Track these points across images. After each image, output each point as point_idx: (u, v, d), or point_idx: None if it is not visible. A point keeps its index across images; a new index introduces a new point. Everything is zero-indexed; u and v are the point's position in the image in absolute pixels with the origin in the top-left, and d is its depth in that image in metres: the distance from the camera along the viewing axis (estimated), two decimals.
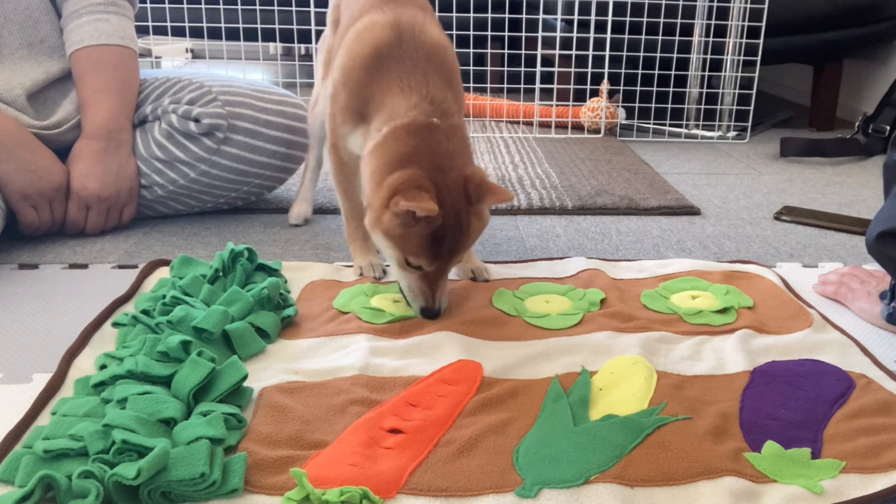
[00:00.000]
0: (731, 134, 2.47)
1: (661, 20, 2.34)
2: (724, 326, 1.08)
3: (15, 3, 1.42)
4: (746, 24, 2.34)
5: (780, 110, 2.89)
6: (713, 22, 2.36)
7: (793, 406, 0.89)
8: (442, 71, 1.10)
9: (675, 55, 2.38)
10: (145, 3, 2.47)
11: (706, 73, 2.42)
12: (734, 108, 2.46)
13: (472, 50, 2.72)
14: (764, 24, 2.32)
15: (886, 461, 0.78)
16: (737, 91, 2.43)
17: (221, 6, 2.48)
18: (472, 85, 2.75)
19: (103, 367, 0.93)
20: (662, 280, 1.24)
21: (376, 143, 1.06)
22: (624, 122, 2.49)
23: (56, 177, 1.38)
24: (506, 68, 2.68)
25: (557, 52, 2.44)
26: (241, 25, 2.47)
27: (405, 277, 1.08)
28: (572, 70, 2.53)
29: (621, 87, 2.43)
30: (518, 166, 2.02)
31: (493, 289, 1.19)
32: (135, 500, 0.70)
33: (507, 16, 2.60)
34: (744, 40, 2.36)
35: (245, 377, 0.87)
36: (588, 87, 2.42)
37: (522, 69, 2.48)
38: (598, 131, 2.47)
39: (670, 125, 2.48)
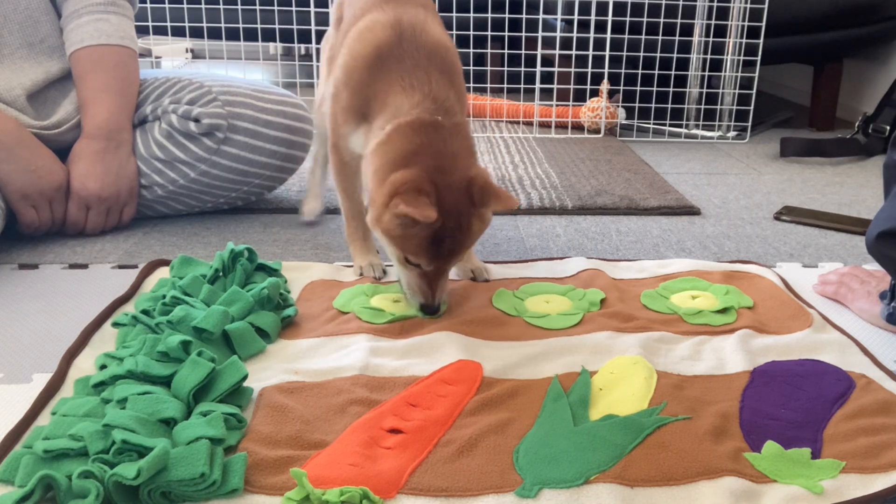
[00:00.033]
0: (731, 134, 2.47)
1: (661, 20, 2.34)
2: (724, 326, 1.08)
3: (15, 3, 1.42)
4: (746, 24, 2.34)
5: (780, 110, 2.89)
6: (713, 22, 2.36)
7: (793, 406, 0.89)
8: (444, 70, 1.10)
9: (675, 55, 2.38)
10: (145, 3, 2.47)
11: (706, 73, 2.42)
12: (734, 108, 2.46)
13: (472, 50, 2.72)
14: (764, 24, 2.32)
15: (886, 461, 0.78)
16: (737, 91, 2.43)
17: (221, 6, 2.48)
18: (472, 85, 2.75)
19: (103, 367, 0.93)
20: (662, 280, 1.24)
21: (380, 140, 1.06)
22: (624, 122, 2.49)
23: (56, 177, 1.38)
24: (506, 68, 2.68)
25: (557, 52, 2.44)
26: (241, 25, 2.47)
27: (405, 274, 1.08)
28: (572, 70, 2.53)
29: (621, 87, 2.43)
30: (518, 166, 2.02)
31: (493, 289, 1.19)
32: (135, 500, 0.70)
33: (507, 16, 2.60)
34: (744, 40, 2.36)
35: (245, 377, 0.87)
36: (588, 87, 2.42)
37: (522, 69, 2.48)
38: (598, 131, 2.47)
39: (670, 125, 2.48)
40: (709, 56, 2.40)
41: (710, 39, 2.38)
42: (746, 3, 2.32)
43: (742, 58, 2.38)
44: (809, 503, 0.73)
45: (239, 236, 1.46)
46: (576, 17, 2.36)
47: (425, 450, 0.79)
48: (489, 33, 2.55)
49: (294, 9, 2.45)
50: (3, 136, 1.33)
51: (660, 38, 2.36)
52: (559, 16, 2.52)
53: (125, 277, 1.23)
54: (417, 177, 0.99)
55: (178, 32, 2.59)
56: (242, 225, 1.53)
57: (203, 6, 2.50)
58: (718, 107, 2.45)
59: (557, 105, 2.53)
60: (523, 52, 2.49)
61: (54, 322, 1.08)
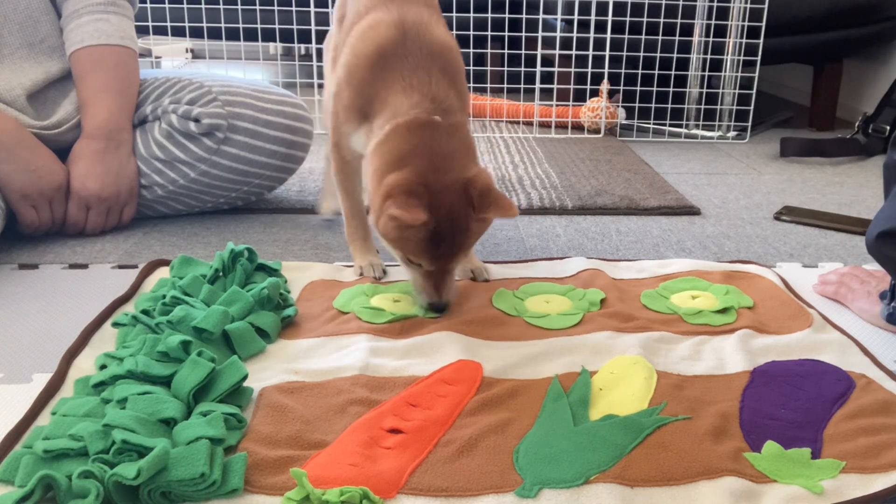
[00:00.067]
0: (731, 134, 2.47)
1: (661, 20, 2.34)
2: (724, 326, 1.08)
3: (15, 3, 1.42)
4: (746, 24, 2.34)
5: (780, 110, 2.89)
6: (713, 22, 2.36)
7: (793, 406, 0.89)
8: (445, 70, 1.10)
9: (675, 55, 2.38)
10: (145, 3, 2.47)
11: (706, 73, 2.42)
12: (734, 108, 2.45)
13: (472, 50, 2.72)
14: (764, 24, 2.32)
15: (886, 461, 0.78)
16: (737, 91, 2.43)
17: (221, 6, 2.48)
18: (472, 85, 2.75)
19: (103, 367, 0.93)
20: (662, 280, 1.24)
21: (378, 141, 1.06)
22: (624, 122, 2.49)
23: (56, 177, 1.38)
24: (506, 68, 2.68)
25: (557, 52, 2.44)
26: (241, 25, 2.47)
27: (411, 274, 1.09)
28: (572, 70, 2.53)
29: (621, 87, 2.43)
30: (518, 166, 2.02)
31: (493, 289, 1.19)
32: (135, 500, 0.70)
33: (507, 16, 2.60)
34: (744, 40, 2.36)
35: (245, 377, 0.87)
36: (588, 87, 2.42)
37: (522, 69, 2.48)
38: (598, 131, 2.47)
39: (670, 125, 2.48)
40: (709, 56, 2.40)
41: (710, 39, 2.38)
42: (746, 3, 2.32)
43: (742, 58, 2.38)
44: (809, 503, 0.73)
45: (239, 236, 1.46)
46: (576, 17, 2.36)
47: (425, 450, 0.79)
48: (489, 33, 2.55)
49: (294, 9, 2.45)
50: (3, 136, 1.33)
51: (660, 38, 2.35)
52: (559, 16, 2.52)
53: (125, 277, 1.23)
54: (408, 179, 1.00)
55: (178, 32, 2.59)
56: (242, 225, 1.53)
57: (203, 6, 2.50)
58: (718, 107, 2.45)
59: (557, 105, 2.53)
60: (523, 52, 2.49)
61: (54, 322, 1.08)
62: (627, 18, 2.33)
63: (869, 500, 0.74)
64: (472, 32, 2.51)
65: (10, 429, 0.80)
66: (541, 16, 2.61)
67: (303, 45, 3.25)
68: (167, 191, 1.49)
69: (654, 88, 2.40)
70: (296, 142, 1.53)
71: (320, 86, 2.39)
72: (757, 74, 2.39)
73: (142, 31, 2.42)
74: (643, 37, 2.37)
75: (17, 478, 0.72)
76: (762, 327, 1.08)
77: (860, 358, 1.00)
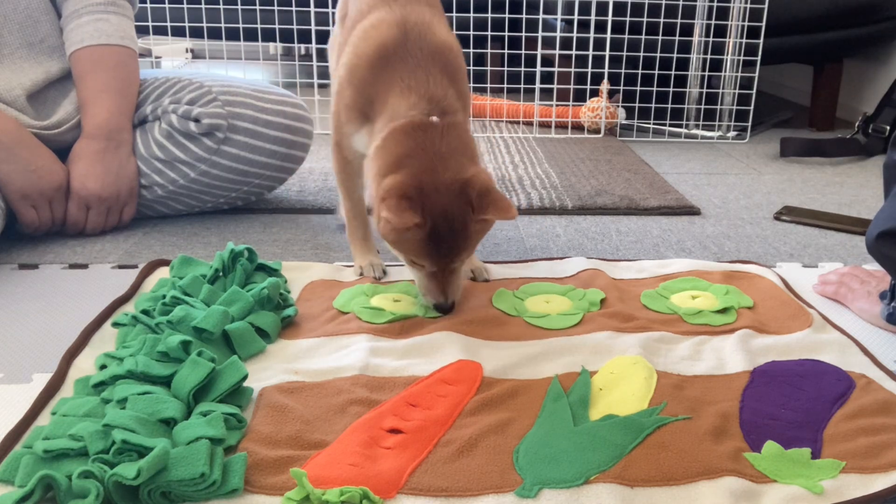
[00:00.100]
0: (731, 134, 2.47)
1: (661, 20, 2.34)
2: (724, 326, 1.08)
3: (15, 3, 1.42)
4: (746, 24, 2.34)
5: (780, 110, 2.89)
6: (713, 22, 2.36)
7: (793, 406, 0.89)
8: (446, 69, 1.10)
9: (675, 55, 2.38)
10: (145, 3, 2.47)
11: (706, 73, 2.42)
12: (734, 108, 2.46)
13: (472, 50, 2.72)
14: (764, 24, 2.32)
15: (886, 461, 0.78)
16: (737, 91, 2.43)
17: (221, 6, 2.48)
18: (472, 85, 2.75)
19: (103, 367, 0.93)
20: (662, 280, 1.24)
21: (377, 145, 1.06)
22: (624, 122, 2.49)
23: (56, 177, 1.38)
24: (506, 68, 2.68)
25: (557, 52, 2.44)
26: (241, 25, 2.47)
27: (416, 275, 1.10)
28: (572, 70, 2.53)
29: (621, 87, 2.43)
30: (518, 166, 2.02)
31: (493, 289, 1.19)
32: (135, 500, 0.70)
33: (507, 16, 2.60)
34: (744, 40, 2.36)
35: (245, 377, 0.87)
36: (588, 87, 2.42)
37: (522, 69, 2.48)
38: (598, 131, 2.47)
39: (670, 125, 2.48)
40: (709, 56, 2.40)
41: (710, 39, 2.38)
42: (746, 3, 2.32)
43: (742, 58, 2.38)
44: (809, 503, 0.73)
45: (239, 236, 1.46)
46: (576, 17, 2.36)
47: (425, 450, 0.79)
48: (489, 33, 2.55)
49: (294, 9, 2.45)
50: (3, 136, 1.33)
51: (660, 38, 2.36)
52: (559, 16, 2.52)
53: (125, 277, 1.23)
54: (402, 182, 1.00)
55: (178, 32, 2.59)
56: (242, 225, 1.53)
57: (203, 6, 2.50)
58: (718, 107, 2.45)
59: (557, 105, 2.53)
60: (523, 52, 2.49)
61: (54, 322, 1.08)
62: (627, 18, 2.33)
63: (869, 500, 0.74)
64: (472, 32, 2.51)
65: (10, 429, 0.80)
66: (541, 16, 2.61)
67: (303, 45, 3.25)
68: (167, 191, 1.49)
69: (654, 88, 2.40)
70: (296, 142, 1.53)
71: (320, 86, 2.39)
72: (757, 74, 2.39)
73: (142, 31, 2.43)
74: (643, 37, 2.37)
75: (17, 478, 0.72)
76: (762, 327, 1.08)
77: (860, 358, 1.00)
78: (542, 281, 1.23)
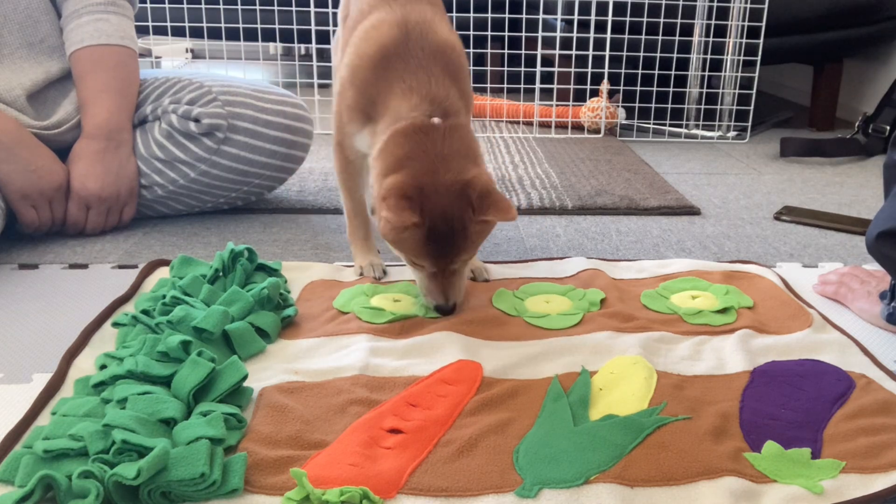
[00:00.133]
0: (731, 134, 2.47)
1: (661, 20, 2.34)
2: (724, 326, 1.08)
3: (15, 3, 1.42)
4: (746, 24, 2.34)
5: (780, 110, 2.89)
6: (713, 22, 2.36)
7: (793, 406, 0.89)
8: (447, 70, 1.10)
9: (675, 55, 2.38)
10: (145, 3, 2.47)
11: (706, 73, 2.42)
12: (734, 108, 2.46)
13: (472, 50, 2.72)
14: (764, 24, 2.32)
15: (886, 461, 0.78)
16: (737, 91, 2.43)
17: (221, 6, 2.48)
18: (472, 85, 2.75)
19: (103, 367, 0.93)
20: (662, 280, 1.24)
21: (379, 147, 1.07)
22: (624, 122, 2.49)
23: (56, 176, 1.38)
24: (506, 68, 2.68)
25: (557, 52, 2.44)
26: (241, 25, 2.47)
27: (417, 276, 1.10)
28: (572, 70, 2.53)
29: (621, 87, 2.43)
30: (518, 166, 2.02)
31: (493, 289, 1.19)
32: (135, 500, 0.70)
33: (507, 16, 2.60)
34: (744, 40, 2.36)
35: (245, 377, 0.87)
36: (588, 87, 2.42)
37: (522, 69, 2.48)
38: (598, 131, 2.47)
39: (670, 125, 2.48)
40: (709, 56, 2.40)
41: (710, 39, 2.38)
42: (746, 3, 2.32)
43: (742, 58, 2.38)
44: (809, 503, 0.73)
45: (239, 236, 1.46)
46: (576, 17, 2.36)
47: (425, 450, 0.79)
48: (489, 33, 2.55)
49: (294, 9, 2.45)
50: (3, 136, 1.33)
51: (660, 38, 2.36)
52: (559, 16, 2.52)
53: (125, 277, 1.23)
54: (402, 182, 1.00)
55: (178, 32, 2.59)
56: (242, 225, 1.53)
57: (203, 6, 2.50)
58: (718, 107, 2.45)
59: (557, 105, 2.53)
60: (523, 52, 2.49)
61: (54, 322, 1.08)
62: (627, 18, 2.33)
63: (869, 500, 0.74)
64: (472, 32, 2.51)
65: (10, 429, 0.80)
66: (541, 16, 2.61)
67: (303, 45, 3.25)
68: (167, 191, 1.49)
69: (654, 88, 2.40)
70: (296, 142, 1.53)
71: (320, 86, 2.39)
72: (757, 74, 2.39)
73: (142, 31, 2.43)
74: (643, 37, 2.37)
75: (17, 478, 0.72)
76: (762, 327, 1.08)
77: (860, 358, 1.00)
78: (542, 281, 1.23)
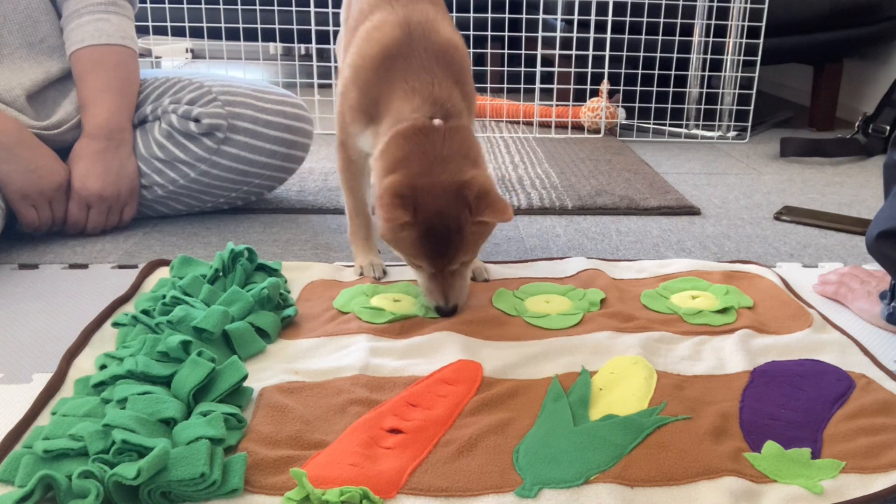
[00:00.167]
0: (731, 134, 2.47)
1: (661, 20, 2.34)
2: (724, 326, 1.08)
3: (15, 3, 1.42)
4: (746, 24, 2.34)
5: (780, 110, 2.89)
6: (713, 22, 2.36)
7: (793, 406, 0.89)
8: (450, 70, 1.10)
9: (675, 55, 2.38)
10: (145, 3, 2.47)
11: (706, 73, 2.42)
12: (734, 108, 2.46)
13: (472, 50, 2.72)
14: (764, 24, 2.32)
15: (886, 461, 0.78)
16: (737, 91, 2.43)
17: (221, 6, 2.48)
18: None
19: (103, 367, 0.93)
20: (662, 280, 1.24)
21: (380, 148, 1.07)
22: (624, 122, 2.49)
23: (56, 176, 1.38)
24: (506, 68, 2.68)
25: (557, 52, 2.44)
26: (241, 25, 2.47)
27: (418, 277, 1.10)
28: (572, 70, 2.53)
29: (621, 87, 2.43)
30: (518, 166, 2.02)
31: (493, 289, 1.19)
32: (135, 500, 0.70)
33: (507, 16, 2.60)
34: (744, 40, 2.36)
35: (245, 377, 0.87)
36: (588, 87, 2.42)
37: (522, 69, 2.48)
38: (598, 131, 2.47)
39: (670, 125, 2.48)
40: (709, 56, 2.40)
41: (710, 39, 2.38)
42: (746, 3, 2.32)
43: (742, 58, 2.38)
44: (809, 503, 0.73)
45: (239, 236, 1.46)
46: (576, 17, 2.36)
47: (425, 450, 0.79)
48: (489, 33, 2.55)
49: (294, 9, 2.45)
50: (3, 136, 1.33)
51: (660, 38, 2.36)
52: (559, 16, 2.52)
53: (125, 277, 1.23)
54: (398, 182, 1.01)
55: (178, 32, 2.59)
56: (242, 225, 1.53)
57: (203, 6, 2.50)
58: (718, 107, 2.45)
59: (557, 105, 2.53)
60: (523, 52, 2.49)
61: (54, 322, 1.08)
62: (627, 18, 2.33)
63: (869, 500, 0.74)
64: (472, 32, 2.51)
65: (10, 429, 0.80)
66: (541, 16, 2.61)
67: (303, 45, 3.25)
68: (167, 191, 1.49)
69: (654, 88, 2.40)
70: (296, 142, 1.53)
71: (320, 86, 2.39)
72: (757, 74, 2.39)
73: (142, 31, 2.43)
74: (643, 37, 2.37)
75: (17, 478, 0.72)
76: (762, 327, 1.08)
77: (860, 358, 1.00)
78: (542, 281, 1.23)
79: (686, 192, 1.84)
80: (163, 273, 1.23)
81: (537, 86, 2.45)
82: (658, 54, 2.38)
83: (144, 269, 1.23)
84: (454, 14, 2.39)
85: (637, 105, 2.45)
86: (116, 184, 1.43)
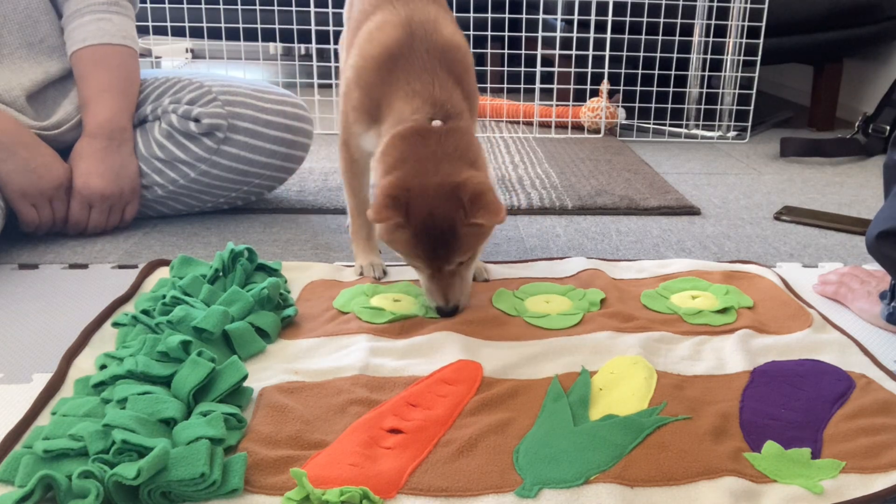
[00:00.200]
0: (731, 134, 2.47)
1: (661, 20, 2.34)
2: (724, 326, 1.08)
3: (14, 3, 1.42)
4: (746, 24, 2.34)
5: (780, 110, 2.89)
6: (713, 22, 2.36)
7: (793, 406, 0.89)
8: (452, 70, 1.10)
9: (675, 55, 2.38)
10: (145, 3, 2.47)
11: (706, 73, 2.42)
12: (734, 108, 2.46)
13: (472, 50, 2.72)
14: (764, 24, 2.32)
15: (886, 461, 0.78)
16: (737, 91, 2.43)
17: (221, 6, 2.48)
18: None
19: (103, 367, 0.93)
20: (662, 280, 1.24)
21: (380, 150, 1.08)
22: (624, 122, 2.49)
23: (56, 174, 1.38)
24: (506, 68, 2.68)
25: (557, 52, 2.44)
26: (241, 25, 2.47)
27: (420, 277, 1.10)
28: (572, 70, 2.53)
29: (621, 87, 2.43)
30: (518, 166, 2.02)
31: (493, 289, 1.19)
32: (135, 500, 0.70)
33: (507, 16, 2.60)
34: (744, 40, 2.36)
35: (245, 377, 0.87)
36: (588, 87, 2.42)
37: (522, 69, 2.48)
38: (598, 131, 2.47)
39: (670, 125, 2.48)
40: (709, 56, 2.40)
41: (710, 39, 2.38)
42: (746, 3, 2.32)
43: (742, 58, 2.38)
44: (809, 503, 0.73)
45: (239, 236, 1.46)
46: (576, 17, 2.36)
47: (425, 450, 0.79)
48: (489, 33, 2.55)
49: (294, 9, 2.45)
50: (2, 136, 1.32)
51: (660, 38, 2.36)
52: (559, 16, 2.52)
53: (125, 277, 1.23)
54: (391, 183, 1.02)
55: (178, 32, 2.59)
56: (242, 225, 1.53)
57: (203, 6, 2.50)
58: (718, 107, 2.45)
59: (557, 105, 2.53)
60: (523, 52, 2.49)
61: (54, 322, 1.08)
62: (627, 18, 2.33)
63: (869, 500, 0.74)
64: (472, 32, 2.51)
65: (10, 429, 0.80)
66: (541, 16, 2.61)
67: (303, 45, 3.25)
68: (167, 191, 1.49)
69: (654, 88, 2.40)
70: (296, 142, 1.53)
71: (320, 86, 2.39)
72: (757, 74, 2.39)
73: (142, 31, 2.42)
74: (643, 37, 2.37)
75: (17, 478, 0.72)
76: (762, 327, 1.08)
77: (860, 358, 1.00)
78: (542, 281, 1.23)
79: (686, 192, 1.84)
80: (163, 273, 1.23)
81: (537, 86, 2.45)
82: (658, 54, 2.38)
83: (144, 269, 1.23)
84: (454, 14, 2.39)
85: (637, 105, 2.45)
86: (119, 183, 1.43)
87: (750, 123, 2.46)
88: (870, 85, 2.68)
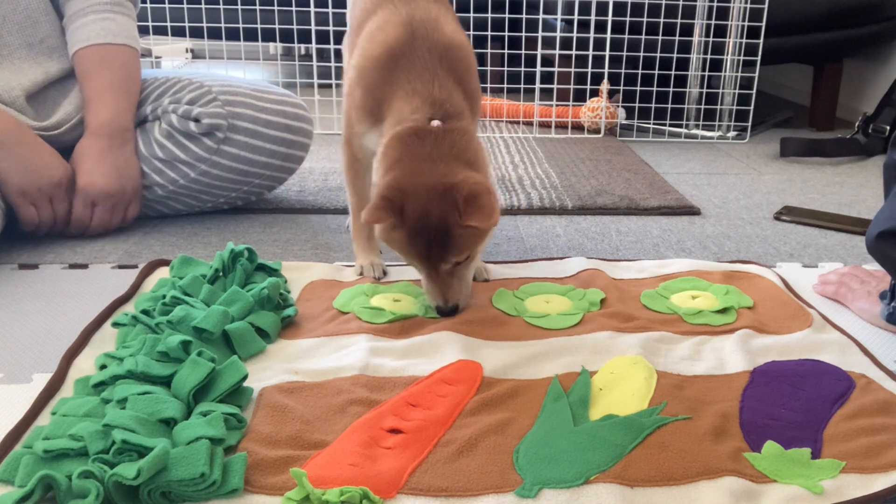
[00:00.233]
0: (731, 134, 2.47)
1: (661, 20, 2.34)
2: (724, 326, 1.08)
3: (14, 4, 1.42)
4: (746, 24, 2.34)
5: (780, 110, 2.89)
6: (713, 22, 2.36)
7: (793, 406, 0.89)
8: (453, 69, 1.10)
9: (675, 55, 2.38)
10: (145, 3, 2.47)
11: (706, 73, 2.42)
12: (734, 108, 2.46)
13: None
14: (764, 24, 2.32)
15: (886, 461, 0.78)
16: (737, 91, 2.43)
17: (221, 6, 2.48)
18: None
19: (103, 367, 0.93)
20: (662, 280, 1.24)
21: (380, 151, 1.08)
22: (624, 122, 2.49)
23: (56, 173, 1.38)
24: (506, 68, 2.68)
25: (557, 52, 2.44)
26: (241, 25, 2.47)
27: (420, 275, 1.10)
28: (572, 70, 2.53)
29: (621, 87, 2.43)
30: (518, 166, 2.02)
31: (493, 289, 1.19)
32: (135, 500, 0.70)
33: (507, 16, 2.60)
34: (744, 40, 2.36)
35: (245, 377, 0.87)
36: (588, 87, 2.42)
37: (522, 69, 2.48)
38: (598, 131, 2.47)
39: (670, 125, 2.48)
40: (709, 56, 2.40)
41: (710, 39, 2.38)
42: (746, 3, 2.32)
43: (742, 58, 2.38)
44: (809, 503, 0.73)
45: (239, 236, 1.46)
46: (576, 17, 2.36)
47: (425, 450, 0.79)
48: (489, 33, 2.55)
49: (294, 9, 2.45)
50: (2, 135, 1.32)
51: (660, 38, 2.36)
52: (559, 16, 2.52)
53: (125, 277, 1.23)
54: (386, 184, 1.02)
55: (178, 32, 2.59)
56: (242, 225, 1.53)
57: (203, 6, 2.50)
58: (718, 107, 2.45)
59: (557, 105, 2.53)
60: (523, 52, 2.49)
61: (54, 322, 1.08)
62: (627, 18, 2.33)
63: (869, 500, 0.74)
64: (472, 32, 2.51)
65: (10, 429, 0.80)
66: (541, 16, 2.61)
67: (303, 45, 3.25)
68: (167, 191, 1.49)
69: (654, 88, 2.40)
70: (296, 142, 1.53)
71: (320, 86, 2.39)
72: (757, 74, 2.39)
73: (142, 31, 2.42)
74: (643, 37, 2.37)
75: (17, 478, 0.72)
76: (762, 327, 1.08)
77: (860, 358, 1.00)
78: (542, 281, 1.23)
79: (686, 192, 1.84)
80: (163, 273, 1.23)
81: (537, 86, 2.45)
82: (658, 54, 2.38)
83: (144, 269, 1.23)
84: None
85: (637, 105, 2.45)
86: (122, 182, 1.43)
87: (750, 123, 2.46)
88: (870, 85, 2.68)
